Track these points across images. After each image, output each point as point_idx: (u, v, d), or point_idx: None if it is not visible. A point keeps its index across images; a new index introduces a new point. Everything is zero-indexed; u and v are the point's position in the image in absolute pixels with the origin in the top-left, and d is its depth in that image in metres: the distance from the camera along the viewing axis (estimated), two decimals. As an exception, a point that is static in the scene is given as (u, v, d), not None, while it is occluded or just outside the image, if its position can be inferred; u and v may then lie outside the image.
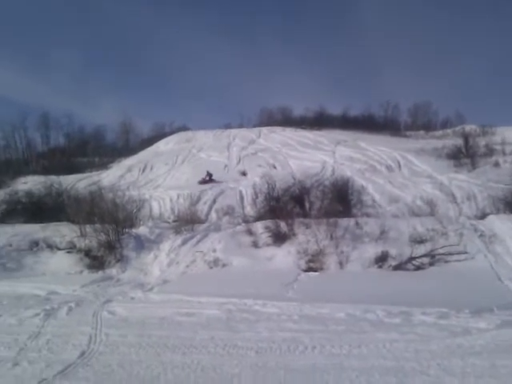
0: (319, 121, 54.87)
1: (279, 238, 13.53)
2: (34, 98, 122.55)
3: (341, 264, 12.03)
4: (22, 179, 34.30)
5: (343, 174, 21.56)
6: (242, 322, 7.15)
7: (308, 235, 13.21)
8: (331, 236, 12.79)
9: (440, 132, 49.53)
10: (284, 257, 12.78)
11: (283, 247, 13.20)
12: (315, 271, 11.94)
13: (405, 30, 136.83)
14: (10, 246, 15.49)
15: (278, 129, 49.65)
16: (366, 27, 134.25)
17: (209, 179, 27.82)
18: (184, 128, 61.56)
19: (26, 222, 17.93)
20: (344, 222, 13.43)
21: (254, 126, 57.13)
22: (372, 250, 12.08)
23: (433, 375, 4.65)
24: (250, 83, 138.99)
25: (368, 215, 15.91)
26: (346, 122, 54.45)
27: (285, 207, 15.71)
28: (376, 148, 34.32)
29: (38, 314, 8.20)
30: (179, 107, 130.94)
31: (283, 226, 13.80)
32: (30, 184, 27.78)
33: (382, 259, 11.84)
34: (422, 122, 65.92)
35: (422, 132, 52.13)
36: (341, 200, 16.15)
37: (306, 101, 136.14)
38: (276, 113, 70.92)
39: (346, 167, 28.68)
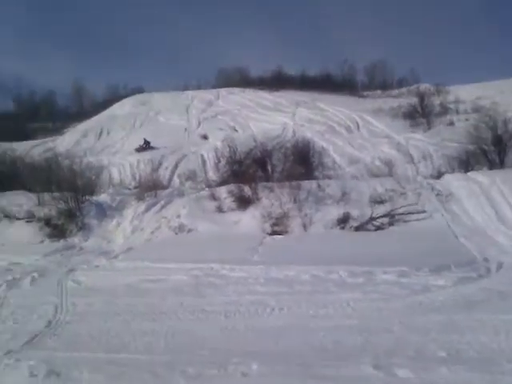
0: (278, 81, 54.04)
1: (243, 203, 13.58)
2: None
3: (304, 226, 12.24)
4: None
5: (304, 135, 21.62)
6: (209, 286, 7.24)
7: (272, 199, 13.32)
8: (294, 199, 12.95)
9: (396, 91, 49.79)
10: (249, 221, 12.88)
11: (247, 211, 13.28)
12: (280, 234, 12.12)
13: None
14: (-37, 217, 14.89)
15: (237, 90, 48.74)
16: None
17: (146, 146, 27.26)
18: (139, 90, 59.40)
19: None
20: (306, 184, 13.59)
21: (213, 88, 55.82)
22: (334, 212, 12.33)
23: (396, 332, 4.88)
24: (206, 43, 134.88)
25: (329, 177, 16.17)
26: (305, 83, 53.82)
27: (247, 171, 15.72)
28: (335, 109, 34.50)
29: (0, 285, 8.03)
30: (133, 68, 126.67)
31: (247, 190, 13.84)
32: (-21, 152, 26.45)
33: (343, 220, 12.12)
34: (379, 82, 66.12)
35: (378, 91, 52.33)
36: (302, 162, 16.30)
37: (263, 61, 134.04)
38: (233, 73, 69.53)
39: (306, 129, 28.79)
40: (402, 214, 12.02)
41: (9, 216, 14.63)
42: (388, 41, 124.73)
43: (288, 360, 4.18)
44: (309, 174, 15.60)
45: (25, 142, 33.78)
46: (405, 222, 11.85)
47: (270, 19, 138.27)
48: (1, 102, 66.19)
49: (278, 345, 4.65)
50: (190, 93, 49.47)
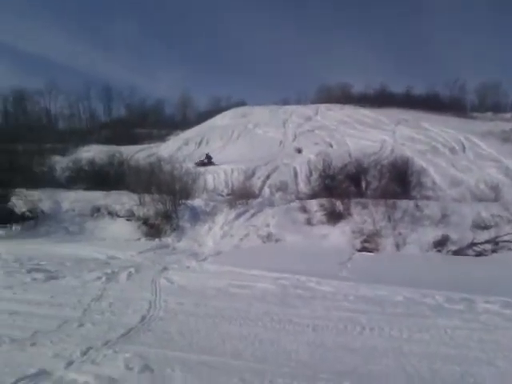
0: (380, 99, 52.71)
1: (334, 217, 13.34)
2: (98, 70, 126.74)
3: (397, 246, 11.72)
4: (85, 148, 35.69)
5: (403, 154, 20.74)
6: (296, 298, 7.12)
7: (364, 215, 12.94)
8: (389, 217, 12.46)
9: (509, 114, 46.49)
10: (338, 236, 12.62)
11: (338, 226, 13.02)
12: (370, 252, 11.72)
13: (471, 4, 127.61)
14: (73, 210, 16.28)
15: (336, 106, 48.19)
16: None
17: (207, 162, 27.47)
18: (241, 103, 61.50)
19: (88, 188, 18.69)
20: (403, 203, 13.03)
21: (312, 103, 55.78)
22: (431, 234, 11.68)
23: (501, 366, 4.42)
24: (309, 59, 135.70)
25: (427, 198, 15.32)
26: (409, 101, 51.84)
27: (340, 186, 15.43)
28: (439, 129, 32.77)
29: (99, 278, 8.55)
30: (237, 82, 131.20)
31: (339, 204, 13.57)
32: (92, 153, 28.84)
33: (441, 243, 11.43)
34: (490, 104, 62.19)
35: (489, 114, 49.17)
36: (399, 181, 15.63)
37: (366, 78, 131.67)
38: (335, 89, 69.01)
39: (407, 147, 27.61)
40: (508, 241, 11.05)
41: (112, 213, 15.73)
42: (503, 61, 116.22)
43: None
44: (405, 193, 14.91)
45: (131, 147, 36.23)
46: (510, 249, 10.89)
47: (375, 36, 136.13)
48: (115, 108, 71.73)
49: (369, 366, 4.41)
50: (288, 107, 50.00)
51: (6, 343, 4.92)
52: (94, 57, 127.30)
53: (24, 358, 4.51)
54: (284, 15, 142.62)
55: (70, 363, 4.33)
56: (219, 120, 47.08)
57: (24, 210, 15.85)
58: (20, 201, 16.01)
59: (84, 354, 4.57)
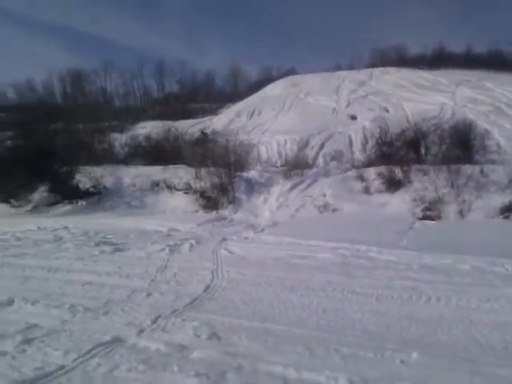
0: (438, 60, 50.07)
1: (393, 185, 13.00)
2: (150, 47, 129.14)
3: (461, 213, 11.28)
4: (141, 124, 36.61)
5: (464, 116, 19.67)
6: (357, 267, 7.04)
7: (425, 182, 12.51)
8: (452, 184, 11.95)
9: None
10: (398, 204, 12.32)
11: (397, 194, 12.70)
12: (432, 220, 11.37)
13: None
14: (134, 186, 16.84)
15: (392, 69, 46.10)
16: None
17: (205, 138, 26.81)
18: (292, 72, 60.35)
19: (146, 164, 19.21)
20: (466, 168, 12.44)
21: (365, 68, 53.76)
22: (498, 200, 11.15)
23: None
24: (360, 21, 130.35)
25: (492, 162, 14.52)
26: (470, 61, 48.92)
27: (398, 153, 14.93)
28: (503, 88, 30.76)
29: (163, 249, 8.84)
30: (287, 51, 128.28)
31: (398, 172, 13.18)
32: (148, 129, 29.52)
33: (509, 209, 10.88)
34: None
35: (559, 70, 45.44)
36: (461, 145, 14.90)
37: (423, 38, 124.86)
38: (389, 52, 66.25)
39: (468, 110, 26.17)
40: None
41: (170, 187, 16.14)
42: None
43: (451, 353, 3.84)
44: (468, 157, 14.20)
45: (185, 121, 36.76)
46: None
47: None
48: (168, 84, 72.80)
49: (437, 336, 4.29)
50: (341, 73, 48.40)
51: (81, 312, 5.20)
52: (147, 34, 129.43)
53: (98, 326, 4.76)
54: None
55: (141, 331, 4.52)
56: (270, 90, 46.53)
57: (88, 186, 16.59)
58: (84, 177, 16.76)
59: (154, 322, 4.75)
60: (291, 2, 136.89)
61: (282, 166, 18.47)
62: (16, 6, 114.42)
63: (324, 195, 13.60)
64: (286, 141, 23.95)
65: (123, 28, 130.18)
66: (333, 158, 19.56)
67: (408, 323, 4.64)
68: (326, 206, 13.07)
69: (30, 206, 16.06)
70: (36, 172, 15.60)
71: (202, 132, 27.97)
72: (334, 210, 12.87)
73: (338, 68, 59.93)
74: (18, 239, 10.48)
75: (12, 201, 16.14)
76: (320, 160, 20.31)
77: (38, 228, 12.13)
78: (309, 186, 14.57)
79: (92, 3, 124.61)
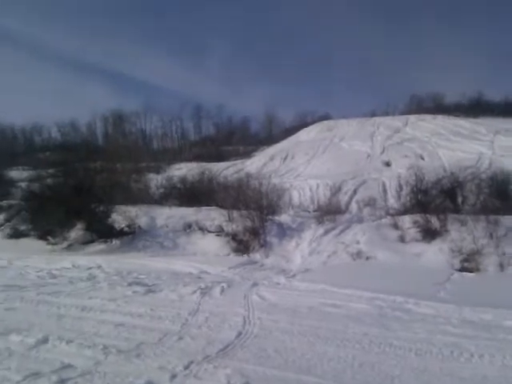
0: (476, 108, 49.64)
1: (429, 234, 12.71)
2: (189, 89, 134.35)
3: (501, 266, 10.86)
4: (177, 166, 37.47)
5: (503, 166, 19.29)
6: (394, 319, 6.81)
7: (463, 232, 12.16)
8: (491, 234, 11.58)
9: None
10: (434, 254, 11.99)
11: (433, 244, 12.38)
12: (470, 272, 10.98)
13: None
14: (167, 226, 17.03)
15: (428, 116, 45.64)
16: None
17: None
18: (326, 117, 61.04)
19: (180, 205, 19.49)
20: (506, 220, 12.08)
21: (401, 114, 53.75)
22: (542, 254, 10.68)
23: None
24: (397, 69, 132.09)
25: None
26: (508, 109, 48.39)
27: (434, 201, 14.68)
28: (545, 138, 30.18)
29: (194, 292, 8.80)
30: (322, 96, 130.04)
31: (434, 220, 12.90)
32: (184, 170, 30.20)
33: (552, 264, 10.40)
34: None
35: None
36: (500, 196, 14.56)
37: (460, 86, 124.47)
38: (426, 100, 66.31)
39: (507, 159, 25.68)
40: None
41: (202, 229, 16.25)
42: None
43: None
44: (508, 208, 13.80)
45: (220, 163, 37.46)
46: None
47: (468, 39, 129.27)
48: (204, 127, 74.93)
49: (482, 399, 4.07)
50: (376, 119, 48.47)
51: (114, 353, 5.20)
52: (187, 77, 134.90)
53: (131, 368, 4.74)
54: (369, 25, 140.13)
55: (173, 376, 4.47)
56: (304, 135, 47.00)
57: (123, 225, 16.88)
58: (119, 216, 17.09)
59: (186, 367, 4.70)
60: (327, 48, 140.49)
61: (314, 210, 18.38)
62: (64, 50, 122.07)
63: (357, 242, 13.40)
64: (318, 185, 23.96)
65: (164, 71, 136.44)
66: (366, 205, 19.36)
67: (450, 381, 4.43)
68: (359, 254, 12.84)
69: (65, 244, 16.41)
70: (74, 210, 16.03)
71: None
72: (367, 258, 12.63)
73: (373, 114, 60.32)
74: (54, 277, 10.70)
75: (49, 238, 16.55)
76: (353, 206, 20.15)
77: (73, 266, 12.36)
78: (342, 232, 14.41)
79: (136, 48, 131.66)
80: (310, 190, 23.86)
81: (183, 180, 22.81)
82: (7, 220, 20.06)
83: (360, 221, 15.45)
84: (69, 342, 5.57)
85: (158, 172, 30.44)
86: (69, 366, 4.77)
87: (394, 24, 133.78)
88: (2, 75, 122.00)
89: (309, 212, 18.22)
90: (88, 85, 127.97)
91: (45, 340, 5.63)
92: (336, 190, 22.78)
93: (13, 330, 6.03)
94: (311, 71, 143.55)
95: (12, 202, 21.51)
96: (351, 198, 21.68)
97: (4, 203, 21.97)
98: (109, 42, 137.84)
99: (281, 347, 5.47)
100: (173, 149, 62.72)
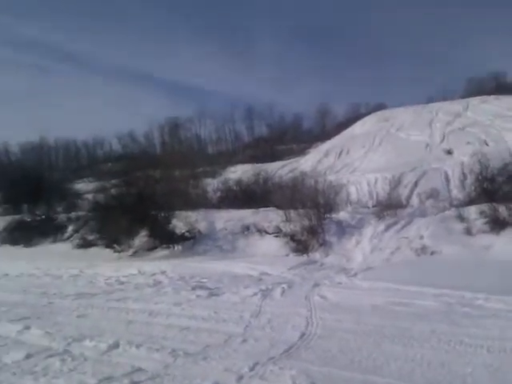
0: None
1: (497, 225, 12.06)
2: (240, 92, 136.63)
3: None
4: (232, 168, 37.93)
5: None
6: (463, 316, 6.53)
7: (535, 221, 11.44)
8: None
9: None
10: (504, 245, 11.35)
11: (503, 235, 11.74)
12: (546, 264, 10.28)
13: None
14: (226, 229, 17.27)
15: (490, 98, 42.59)
16: None
17: None
18: (381, 107, 58.93)
19: (237, 207, 19.72)
20: None
21: (461, 98, 50.86)
22: None
23: None
24: (452, 51, 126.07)
25: None
26: None
27: (501, 189, 13.93)
28: None
29: (256, 294, 8.87)
30: (375, 86, 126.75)
31: (502, 210, 12.22)
32: (239, 172, 30.54)
33: None
34: None
35: None
36: None
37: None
38: (486, 80, 62.64)
39: None
40: None
41: (260, 231, 16.35)
42: None
43: None
44: None
45: (274, 163, 37.51)
46: None
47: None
48: (257, 128, 75.52)
49: None
50: (433, 105, 46.00)
51: (181, 356, 5.35)
52: (237, 80, 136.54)
53: (198, 371, 4.85)
54: (422, 8, 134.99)
55: (240, 377, 4.53)
56: (359, 127, 45.70)
57: (183, 230, 17.33)
58: (180, 222, 17.55)
59: (252, 369, 4.75)
60: (376, 35, 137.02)
61: (373, 206, 18.00)
62: (119, 64, 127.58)
63: (421, 237, 12.94)
64: (376, 179, 23.35)
65: (215, 76, 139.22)
66: (428, 197, 18.66)
67: (529, 382, 4.18)
68: (423, 249, 12.41)
69: (131, 251, 17.07)
70: (137, 218, 16.66)
71: None
72: (432, 253, 12.17)
73: (430, 100, 57.41)
74: (121, 283, 11.16)
75: (115, 246, 17.29)
76: (414, 199, 19.47)
77: (139, 272, 12.82)
78: (404, 227, 13.98)
79: (186, 55, 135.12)
80: (368, 184, 23.31)
81: (239, 182, 23.07)
82: (76, 231, 21.24)
83: (423, 214, 14.94)
84: (138, 346, 5.79)
85: (214, 176, 30.96)
86: (139, 370, 4.96)
87: (444, 8, 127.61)
88: (64, 94, 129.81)
89: (368, 208, 17.88)
90: (144, 96, 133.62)
91: (116, 345, 5.89)
92: (395, 184, 22.10)
93: (86, 336, 6.35)
94: (362, 61, 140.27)
95: (80, 213, 22.73)
96: (412, 190, 20.96)
97: (72, 215, 23.25)
98: (161, 53, 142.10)
99: (345, 347, 5.40)
100: (227, 152, 63.65)
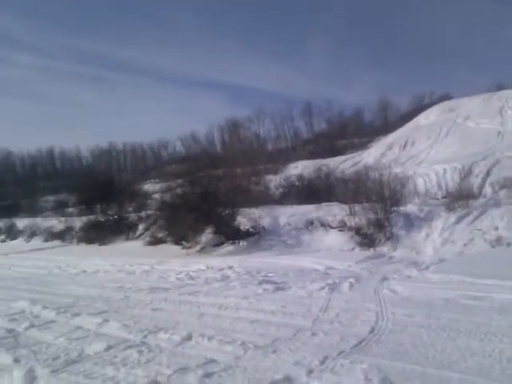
0: None
1: None
2: (297, 89, 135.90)
3: None
4: (293, 165, 37.83)
5: None
6: (546, 310, 6.14)
7: None
8: None
9: None
10: None
11: None
12: None
13: None
14: (289, 225, 17.30)
15: None
16: None
17: None
18: (446, 97, 56.19)
19: (300, 203, 19.67)
20: None
21: (535, 82, 47.28)
22: None
23: None
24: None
25: None
26: None
27: None
28: None
29: (323, 288, 8.82)
30: (438, 75, 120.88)
31: None
32: (299, 168, 30.44)
33: None
34: None
35: None
36: None
37: None
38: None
39: None
40: None
41: (324, 225, 16.22)
42: None
43: None
44: None
45: (335, 158, 36.97)
46: None
47: None
48: (316, 124, 74.54)
49: None
50: (503, 93, 43.37)
51: (251, 349, 5.43)
52: (294, 77, 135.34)
53: (268, 363, 4.91)
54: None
55: (310, 371, 4.53)
56: (424, 118, 43.98)
57: (248, 226, 17.56)
58: (244, 219, 17.80)
59: (322, 363, 4.74)
60: (438, 22, 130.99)
61: (442, 197, 17.29)
62: (179, 70, 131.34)
63: (496, 228, 12.28)
64: (445, 170, 22.36)
65: (272, 74, 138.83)
66: (502, 186, 17.61)
67: None
68: (498, 240, 11.76)
69: (198, 247, 17.55)
70: (203, 215, 17.10)
71: None
72: (508, 244, 11.51)
73: (500, 87, 54.17)
74: (191, 278, 11.51)
75: (183, 242, 17.84)
76: (487, 189, 18.46)
77: (207, 267, 13.15)
78: (476, 218, 13.31)
79: (243, 57, 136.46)
80: (437, 175, 22.35)
81: (300, 178, 23.02)
82: (146, 229, 22.17)
83: (497, 204, 14.13)
84: (210, 338, 5.95)
85: (275, 173, 31.07)
86: (212, 361, 5.10)
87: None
88: (132, 101, 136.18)
89: (437, 199, 17.22)
90: (204, 99, 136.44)
91: (189, 337, 6.08)
92: (466, 174, 21.08)
93: (161, 329, 6.62)
94: (424, 51, 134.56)
95: (149, 212, 23.67)
96: (484, 180, 19.87)
97: (142, 214, 24.28)
98: (218, 57, 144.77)
99: (418, 342, 5.25)
100: (287, 149, 63.50)
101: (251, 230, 17.48)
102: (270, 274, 11.10)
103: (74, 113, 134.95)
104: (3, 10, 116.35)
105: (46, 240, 27.63)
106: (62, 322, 7.59)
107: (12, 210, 37.19)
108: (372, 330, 5.84)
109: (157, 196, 26.49)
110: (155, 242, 19.90)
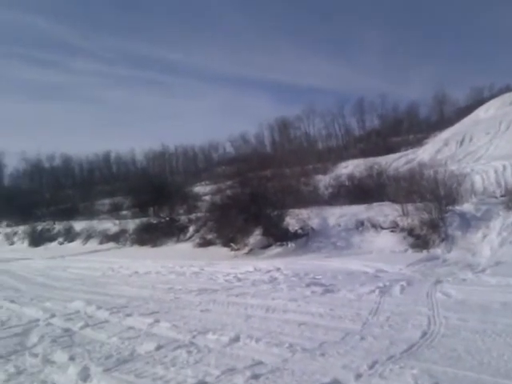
0: None
1: None
2: (348, 85, 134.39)
3: None
4: (343, 164, 37.36)
5: None
6: None
7: None
8: None
9: None
10: None
11: None
12: None
13: None
14: (339, 226, 17.08)
15: None
16: None
17: None
18: (507, 89, 53.54)
19: (350, 203, 19.37)
20: None
21: None
22: None
23: None
24: None
25: None
26: None
27: None
28: None
29: (373, 291, 8.62)
30: (499, 66, 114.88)
31: None
32: (350, 167, 29.99)
33: None
34: None
35: None
36: None
37: None
38: None
39: None
40: None
41: (375, 226, 15.88)
42: None
43: None
44: None
45: (388, 156, 36.15)
46: None
47: None
48: (368, 120, 72.96)
49: None
50: None
51: (299, 352, 5.40)
52: (344, 74, 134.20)
53: (316, 366, 4.87)
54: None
55: (358, 375, 4.45)
56: (482, 112, 41.98)
57: (296, 228, 17.49)
58: (292, 220, 17.75)
59: (371, 367, 4.64)
60: (499, 10, 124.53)
61: (501, 196, 16.48)
62: (228, 70, 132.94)
63: (561, 228, 11.57)
64: (505, 167, 21.34)
65: (322, 72, 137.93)
66: None
67: None
68: None
69: (246, 249, 17.66)
70: (251, 217, 17.21)
71: None
72: None
73: None
74: (239, 280, 11.61)
75: (232, 244, 18.03)
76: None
77: (255, 269, 13.20)
78: (539, 217, 12.61)
79: (292, 55, 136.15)
80: (496, 172, 21.40)
81: (351, 177, 22.67)
82: (196, 230, 22.59)
83: None
84: (257, 340, 5.97)
85: (324, 172, 30.78)
86: (259, 363, 5.12)
87: None
88: (183, 103, 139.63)
89: (496, 198, 16.46)
90: (253, 99, 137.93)
91: (236, 338, 6.14)
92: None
93: (209, 330, 6.71)
94: (483, 41, 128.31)
95: (199, 214, 24.11)
96: (547, 177, 18.81)
97: (193, 216, 24.76)
98: (267, 56, 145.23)
99: (472, 348, 5.04)
100: (337, 147, 62.75)
101: (300, 231, 17.40)
102: (318, 277, 10.98)
103: (129, 117, 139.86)
104: (61, 18, 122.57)
105: (101, 242, 28.75)
106: (115, 322, 7.87)
107: (70, 214, 39.01)
108: (423, 335, 5.66)
109: (207, 198, 26.95)
110: (205, 243, 20.24)
